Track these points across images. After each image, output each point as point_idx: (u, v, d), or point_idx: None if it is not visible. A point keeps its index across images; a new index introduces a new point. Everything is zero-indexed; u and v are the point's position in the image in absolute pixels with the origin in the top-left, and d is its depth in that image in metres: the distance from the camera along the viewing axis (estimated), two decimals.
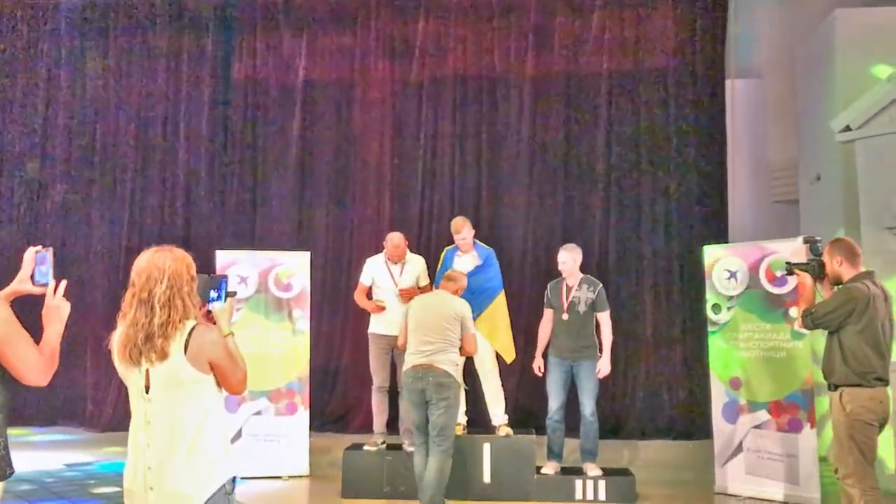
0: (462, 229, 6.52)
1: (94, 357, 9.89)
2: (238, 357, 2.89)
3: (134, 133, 10.16)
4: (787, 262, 5.08)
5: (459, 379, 5.59)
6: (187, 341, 2.73)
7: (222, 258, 7.23)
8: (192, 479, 2.71)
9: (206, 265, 8.48)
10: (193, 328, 2.78)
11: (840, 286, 4.62)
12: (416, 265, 6.69)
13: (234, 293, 3.27)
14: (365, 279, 6.69)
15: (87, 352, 9.92)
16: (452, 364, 5.52)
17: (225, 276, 3.07)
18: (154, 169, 10.13)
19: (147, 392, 2.76)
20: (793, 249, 6.11)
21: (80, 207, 10.17)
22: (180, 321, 2.75)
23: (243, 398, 7.02)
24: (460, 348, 5.59)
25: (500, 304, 6.64)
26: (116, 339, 2.85)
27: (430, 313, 5.59)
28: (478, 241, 6.71)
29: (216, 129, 10.13)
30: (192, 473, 2.71)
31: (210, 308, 3.00)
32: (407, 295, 6.35)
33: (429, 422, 5.51)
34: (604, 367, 6.31)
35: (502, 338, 6.64)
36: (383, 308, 6.53)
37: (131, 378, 2.80)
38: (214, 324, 2.97)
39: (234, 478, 2.81)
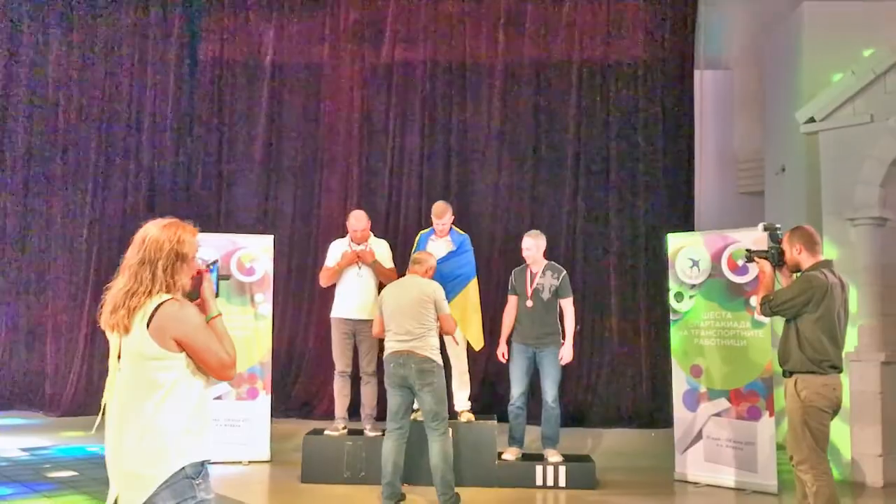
0: (444, 214, 6.51)
1: (54, 341, 9.76)
2: (216, 340, 2.69)
3: (97, 113, 9.97)
4: (746, 250, 5.10)
5: (440, 361, 5.62)
6: (152, 315, 2.58)
7: None
8: (144, 459, 2.56)
9: None
10: (163, 303, 2.62)
11: (799, 274, 4.65)
12: (380, 248, 6.64)
13: (228, 277, 3.18)
14: (329, 262, 6.63)
15: (46, 336, 9.77)
16: (432, 349, 5.55)
17: (216, 261, 2.99)
18: (118, 150, 9.95)
19: (119, 361, 2.67)
20: (754, 238, 6.13)
21: (41, 188, 9.98)
22: (145, 294, 2.61)
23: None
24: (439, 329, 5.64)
25: (471, 291, 6.62)
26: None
27: (404, 299, 5.58)
28: (454, 227, 6.67)
29: (181, 111, 9.98)
30: (144, 454, 2.56)
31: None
32: (360, 258, 6.40)
33: (410, 409, 5.62)
34: (566, 354, 6.31)
35: (472, 325, 6.61)
36: (356, 258, 6.46)
37: (112, 344, 2.70)
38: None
39: (203, 463, 2.64)
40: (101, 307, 2.72)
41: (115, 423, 2.63)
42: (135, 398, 2.60)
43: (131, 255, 2.68)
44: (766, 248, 4.97)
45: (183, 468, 2.57)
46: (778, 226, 4.96)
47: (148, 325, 2.59)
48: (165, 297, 2.63)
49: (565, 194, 9.59)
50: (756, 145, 9.57)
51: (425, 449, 5.60)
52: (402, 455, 5.61)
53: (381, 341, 6.69)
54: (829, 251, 6.79)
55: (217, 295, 2.93)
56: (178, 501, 2.54)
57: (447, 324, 5.68)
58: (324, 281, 6.67)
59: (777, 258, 4.78)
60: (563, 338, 6.35)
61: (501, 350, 6.49)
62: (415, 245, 6.75)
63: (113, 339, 2.68)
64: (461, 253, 6.56)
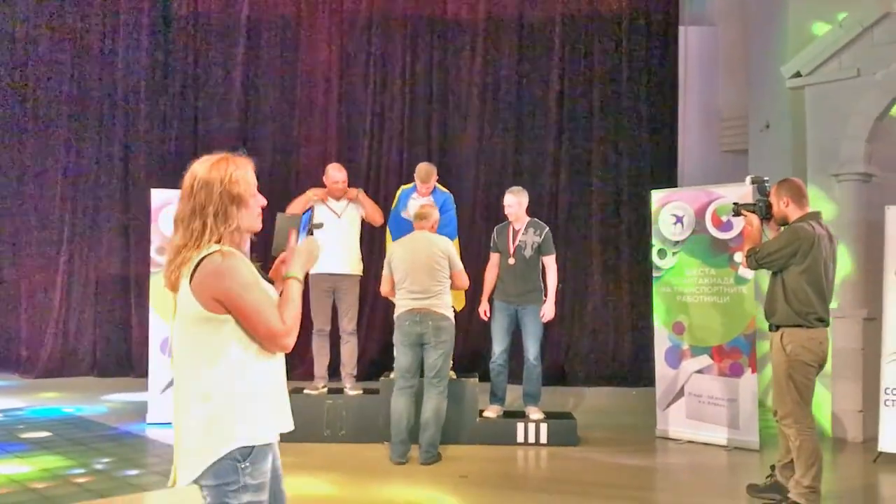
0: (430, 179, 6.40)
1: (29, 303, 9.58)
2: (269, 303, 2.28)
3: (69, 69, 9.67)
4: (734, 203, 5.02)
5: (453, 318, 5.66)
6: (195, 270, 2.23)
7: (157, 197, 6.94)
8: (190, 435, 2.24)
9: (142, 204, 8.25)
10: (207, 255, 2.23)
11: (786, 226, 4.58)
12: (357, 206, 6.49)
13: (321, 224, 2.67)
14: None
15: (20, 297, 9.59)
16: (448, 306, 5.62)
17: (311, 208, 2.62)
18: (91, 105, 9.67)
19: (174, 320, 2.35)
20: (740, 194, 6.05)
21: (13, 144, 9.70)
22: (195, 246, 2.24)
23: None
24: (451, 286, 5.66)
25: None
26: None
27: (419, 257, 5.54)
28: (437, 186, 6.54)
29: (155, 66, 9.70)
30: (191, 430, 2.24)
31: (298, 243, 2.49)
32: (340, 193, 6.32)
33: (423, 363, 5.61)
34: (548, 311, 6.24)
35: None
36: (317, 196, 6.34)
37: (171, 304, 2.38)
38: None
39: (253, 448, 2.25)
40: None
41: (173, 391, 2.37)
42: (184, 365, 2.29)
43: (182, 205, 2.31)
44: (752, 201, 4.89)
45: (231, 452, 2.23)
46: (766, 178, 4.88)
47: (190, 281, 2.24)
48: (214, 248, 2.25)
49: (548, 150, 9.48)
50: (740, 102, 9.46)
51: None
52: (413, 413, 5.63)
53: (361, 299, 6.63)
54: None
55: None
56: (219, 483, 2.24)
57: (460, 280, 5.68)
58: (290, 210, 6.41)
59: (765, 211, 4.71)
60: (546, 295, 6.28)
61: (483, 308, 6.41)
62: (395, 201, 6.63)
63: (171, 298, 2.37)
64: (444, 213, 6.43)
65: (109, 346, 9.43)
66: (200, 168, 2.30)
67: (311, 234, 2.51)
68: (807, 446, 4.38)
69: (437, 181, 6.56)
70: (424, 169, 6.44)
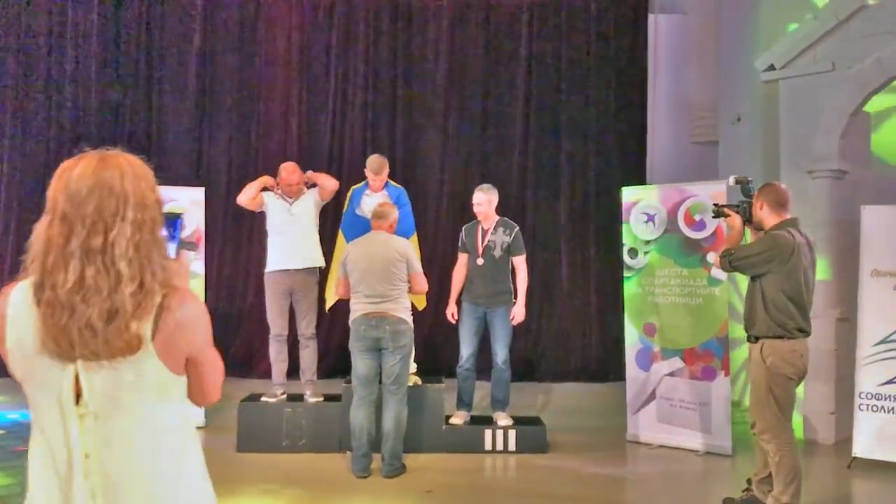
0: (382, 170, 6.13)
1: None
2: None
3: (14, 55, 9.18)
4: (714, 205, 4.81)
5: (411, 322, 5.41)
6: (157, 321, 1.65)
7: None
8: None
9: None
10: (166, 296, 1.67)
11: (765, 233, 4.39)
12: (311, 196, 6.20)
13: (193, 246, 1.99)
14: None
15: None
16: (406, 310, 5.36)
17: (179, 215, 1.99)
18: (37, 94, 9.21)
19: (79, 404, 1.64)
20: (713, 193, 5.88)
21: None
22: (140, 286, 1.64)
23: None
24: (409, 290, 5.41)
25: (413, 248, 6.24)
26: (23, 315, 1.66)
27: (375, 259, 5.27)
28: (389, 181, 6.28)
29: (107, 50, 9.26)
30: None
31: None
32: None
33: (381, 371, 5.35)
34: (518, 313, 6.02)
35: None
36: (268, 184, 6.09)
37: (47, 380, 1.66)
38: None
39: None
40: (18, 319, 1.66)
41: (117, 495, 1.67)
42: (143, 458, 1.68)
43: (113, 230, 1.64)
44: (734, 202, 4.69)
45: None
46: (750, 179, 4.67)
47: (154, 338, 1.65)
48: (164, 288, 1.69)
49: (515, 143, 9.25)
50: (711, 93, 9.30)
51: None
52: (375, 423, 5.38)
53: (321, 301, 6.35)
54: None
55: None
56: None
57: (418, 284, 5.39)
58: (242, 196, 6.17)
59: (748, 213, 4.51)
60: (515, 297, 6.05)
61: (451, 310, 6.17)
62: (346, 203, 6.35)
63: (52, 372, 1.64)
64: (399, 207, 6.17)
65: None
66: (119, 174, 1.67)
67: (178, 251, 1.96)
68: (786, 462, 4.22)
69: (398, 174, 6.27)
70: (377, 161, 6.15)
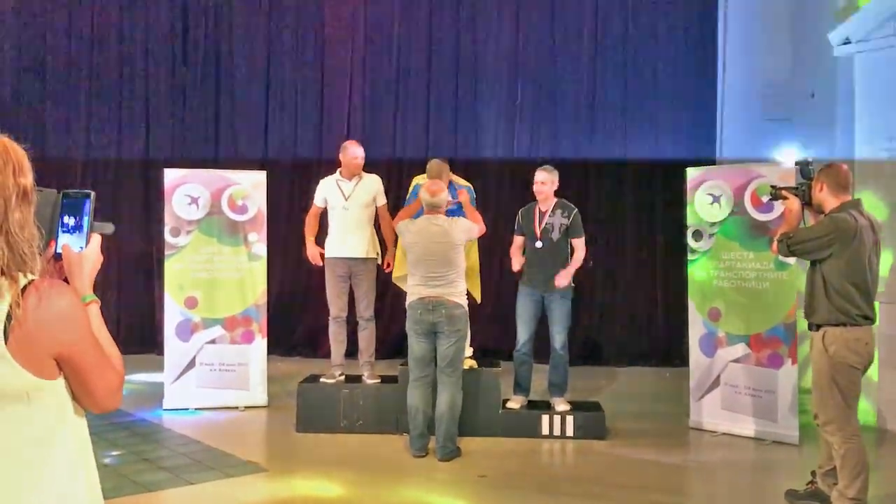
0: (441, 176, 5.87)
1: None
2: (107, 346, 1.67)
3: (88, 42, 9.42)
4: (771, 186, 4.64)
5: (467, 306, 5.45)
6: (9, 318, 1.49)
7: (170, 176, 6.73)
8: None
9: (157, 183, 8.03)
10: (25, 289, 1.51)
11: (825, 215, 4.19)
12: (371, 183, 6.20)
13: (108, 227, 1.82)
14: (318, 200, 6.26)
15: None
16: (462, 294, 5.40)
17: (87, 195, 1.79)
18: (110, 78, 9.44)
19: None
20: (780, 173, 5.66)
21: (31, 123, 9.50)
22: (5, 277, 1.51)
23: (196, 325, 6.66)
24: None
25: (471, 250, 6.17)
26: None
27: (434, 243, 5.29)
28: (453, 180, 6.11)
29: (176, 35, 9.42)
30: None
31: (59, 250, 1.74)
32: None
33: (436, 353, 5.37)
34: (562, 278, 5.82)
35: (472, 278, 6.19)
36: (319, 263, 6.21)
37: None
38: (66, 280, 1.72)
39: None
40: None
41: None
42: None
43: None
44: (793, 184, 4.52)
45: None
46: (810, 160, 4.47)
47: (6, 339, 1.50)
48: (22, 280, 1.53)
49: (579, 122, 9.06)
50: (785, 69, 8.93)
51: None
52: (430, 404, 5.43)
53: (377, 284, 6.34)
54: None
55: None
56: None
57: (478, 227, 5.54)
58: (306, 231, 6.37)
59: (807, 195, 4.33)
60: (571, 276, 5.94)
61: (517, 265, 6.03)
62: (409, 194, 6.28)
63: None
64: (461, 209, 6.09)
65: (132, 322, 9.31)
66: None
67: (89, 237, 1.78)
68: (852, 455, 4.04)
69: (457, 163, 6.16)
70: (435, 168, 6.00)
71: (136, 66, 9.42)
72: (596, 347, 8.93)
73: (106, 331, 1.72)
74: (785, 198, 4.40)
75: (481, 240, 6.11)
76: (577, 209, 6.02)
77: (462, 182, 6.22)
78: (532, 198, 6.07)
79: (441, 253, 5.28)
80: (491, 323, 8.27)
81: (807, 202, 4.36)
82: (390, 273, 6.27)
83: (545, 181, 5.94)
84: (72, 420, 1.63)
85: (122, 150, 9.40)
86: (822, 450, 4.36)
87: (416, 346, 5.40)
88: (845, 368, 4.05)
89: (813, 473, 4.51)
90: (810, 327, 4.21)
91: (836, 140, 7.18)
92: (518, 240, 6.07)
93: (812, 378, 4.26)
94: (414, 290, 5.38)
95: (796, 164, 4.59)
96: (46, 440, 1.58)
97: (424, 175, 6.12)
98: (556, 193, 6.04)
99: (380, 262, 6.22)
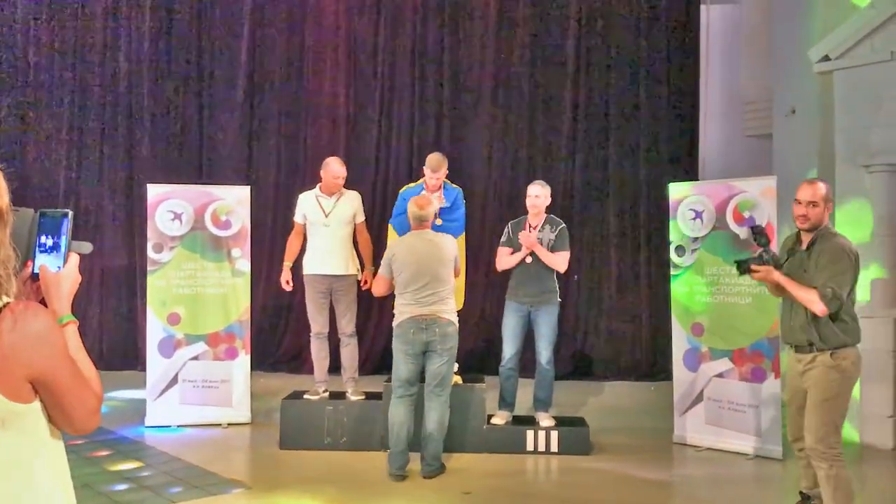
0: (440, 168, 6.00)
1: None
2: (85, 367, 1.66)
3: (70, 58, 9.38)
4: (735, 262, 4.40)
5: (457, 325, 5.41)
6: None
7: (153, 192, 6.70)
8: None
9: (141, 199, 7.99)
10: (0, 312, 1.51)
11: (833, 248, 4.06)
12: (351, 200, 6.20)
13: (86, 247, 1.82)
14: (298, 217, 6.25)
15: None
16: (453, 311, 5.37)
17: (65, 213, 1.78)
18: (92, 95, 9.40)
19: None
20: (762, 188, 5.71)
21: (14, 136, 9.45)
22: None
23: (179, 341, 6.61)
24: None
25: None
26: None
27: (426, 260, 5.22)
28: (447, 181, 6.17)
29: (158, 51, 9.39)
30: None
31: (37, 270, 1.72)
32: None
33: (425, 371, 5.32)
34: (528, 237, 5.82)
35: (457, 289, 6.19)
36: (288, 286, 6.27)
37: None
38: (43, 302, 1.71)
39: None
40: None
41: None
42: None
43: None
44: (754, 255, 4.32)
45: None
46: (762, 225, 4.46)
47: None
48: (2, 301, 1.53)
49: (562, 138, 9.09)
50: (765, 85, 9.03)
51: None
52: (412, 420, 5.34)
53: (359, 299, 6.31)
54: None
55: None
56: None
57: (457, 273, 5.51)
58: (287, 251, 6.39)
59: (775, 258, 4.23)
60: (560, 297, 5.98)
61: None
62: (397, 199, 6.29)
63: None
64: (454, 209, 6.11)
65: (115, 339, 9.23)
66: None
67: (66, 257, 1.78)
68: (844, 474, 4.01)
69: (447, 172, 6.17)
70: (435, 158, 6.04)
71: (119, 82, 9.38)
72: (581, 361, 8.92)
73: (84, 352, 1.70)
74: (756, 271, 4.22)
75: (467, 254, 6.13)
76: (564, 225, 6.03)
77: (454, 185, 6.27)
78: (524, 211, 6.07)
79: (432, 269, 5.21)
80: (476, 337, 8.27)
81: (778, 265, 4.21)
82: (369, 289, 6.26)
83: (539, 195, 5.96)
84: (48, 443, 1.61)
85: (105, 166, 9.35)
86: (805, 473, 4.35)
87: (403, 367, 5.28)
88: (850, 386, 4.10)
89: (801, 493, 4.47)
90: (808, 349, 4.11)
91: (816, 158, 7.25)
92: (504, 251, 6.05)
93: (810, 400, 4.11)
94: (404, 309, 5.26)
95: (750, 229, 4.57)
96: (23, 464, 1.55)
97: (412, 183, 6.14)
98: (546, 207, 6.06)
99: (359, 278, 6.20)
